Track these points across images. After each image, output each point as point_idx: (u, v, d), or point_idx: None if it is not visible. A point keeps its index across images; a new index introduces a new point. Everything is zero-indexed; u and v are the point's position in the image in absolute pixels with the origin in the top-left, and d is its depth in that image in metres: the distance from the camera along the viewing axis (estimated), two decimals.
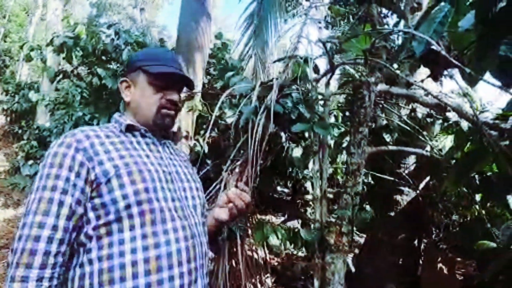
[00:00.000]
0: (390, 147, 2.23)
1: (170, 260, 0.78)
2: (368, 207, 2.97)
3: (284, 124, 1.94)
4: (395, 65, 2.00)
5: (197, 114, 3.31)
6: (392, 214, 2.70)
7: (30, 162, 6.13)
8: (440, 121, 2.49)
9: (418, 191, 2.61)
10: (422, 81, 1.91)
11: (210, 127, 2.29)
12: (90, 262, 0.75)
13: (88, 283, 0.74)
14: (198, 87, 3.22)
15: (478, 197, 2.20)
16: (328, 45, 1.95)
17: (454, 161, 1.78)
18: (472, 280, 2.79)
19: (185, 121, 3.11)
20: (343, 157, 3.23)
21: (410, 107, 2.66)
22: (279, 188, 5.15)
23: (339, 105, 3.38)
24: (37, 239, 0.72)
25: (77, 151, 0.80)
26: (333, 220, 1.66)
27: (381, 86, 1.84)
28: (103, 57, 4.91)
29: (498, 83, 1.12)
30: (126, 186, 0.78)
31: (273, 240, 2.14)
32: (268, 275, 2.78)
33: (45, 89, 7.57)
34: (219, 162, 2.45)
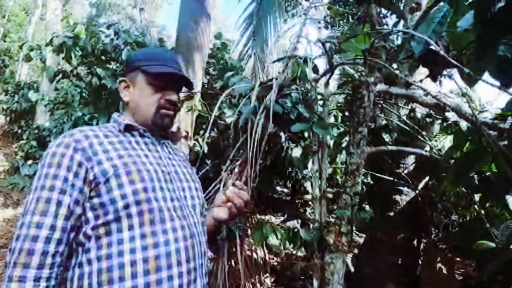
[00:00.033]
0: (390, 147, 2.22)
1: (169, 260, 0.77)
2: (367, 207, 2.96)
3: (283, 124, 1.93)
4: (394, 65, 2.00)
5: (196, 114, 3.31)
6: (392, 214, 2.70)
7: (30, 162, 6.13)
8: (439, 121, 2.49)
9: (417, 191, 2.61)
10: (421, 81, 1.91)
11: (209, 127, 2.28)
12: (89, 262, 0.75)
13: (87, 283, 0.74)
14: (198, 87, 3.22)
15: (477, 197, 2.19)
16: (328, 45, 1.94)
17: (453, 161, 1.77)
18: (471, 280, 2.79)
19: (184, 121, 3.11)
20: (342, 157, 3.23)
21: (409, 107, 2.66)
22: (278, 188, 5.16)
23: (339, 105, 3.37)
24: (35, 239, 0.71)
25: (75, 151, 0.79)
26: (333, 220, 1.66)
27: (380, 86, 1.84)
28: (103, 57, 4.92)
29: (497, 83, 1.12)
30: (125, 186, 0.78)
31: (273, 240, 2.13)
32: (268, 275, 2.78)
33: (44, 89, 7.58)
34: (219, 162, 2.44)
